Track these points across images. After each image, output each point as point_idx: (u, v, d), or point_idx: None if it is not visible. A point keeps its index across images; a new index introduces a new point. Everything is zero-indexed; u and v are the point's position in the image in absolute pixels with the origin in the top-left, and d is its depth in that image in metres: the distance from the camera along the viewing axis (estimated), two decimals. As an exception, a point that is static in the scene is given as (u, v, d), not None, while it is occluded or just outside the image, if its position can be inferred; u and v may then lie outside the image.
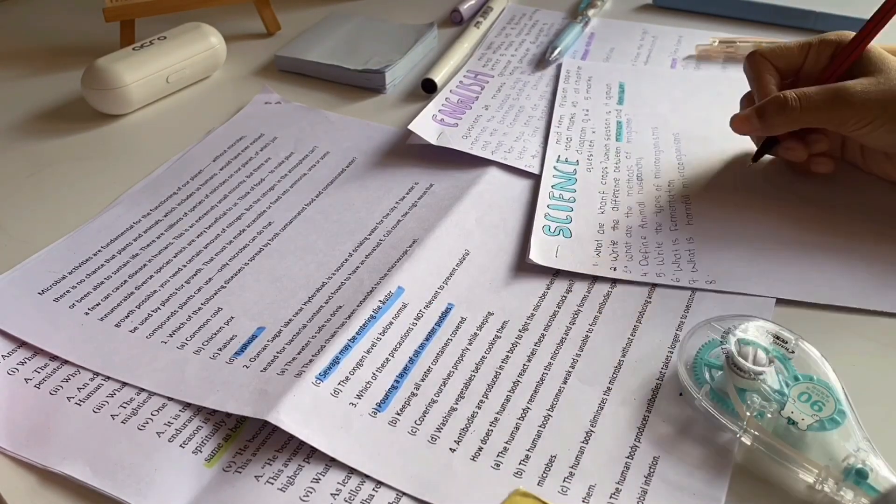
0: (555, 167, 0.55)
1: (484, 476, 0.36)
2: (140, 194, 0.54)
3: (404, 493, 0.35)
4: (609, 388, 0.40)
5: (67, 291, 0.46)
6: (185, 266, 0.48)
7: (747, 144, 0.54)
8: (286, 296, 0.46)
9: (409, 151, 0.57)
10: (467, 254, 0.48)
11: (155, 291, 0.46)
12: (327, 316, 0.44)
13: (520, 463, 0.36)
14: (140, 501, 0.35)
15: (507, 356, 0.42)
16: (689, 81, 0.65)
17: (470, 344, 0.42)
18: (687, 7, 0.75)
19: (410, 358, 0.42)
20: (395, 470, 0.36)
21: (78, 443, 0.38)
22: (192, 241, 0.50)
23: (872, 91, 0.46)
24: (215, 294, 0.46)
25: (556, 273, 0.46)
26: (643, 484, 0.35)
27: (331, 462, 0.36)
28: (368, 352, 0.42)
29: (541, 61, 0.68)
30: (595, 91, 0.64)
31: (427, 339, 0.43)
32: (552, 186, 0.53)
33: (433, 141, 0.57)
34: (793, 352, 0.38)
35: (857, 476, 0.33)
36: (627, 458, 0.36)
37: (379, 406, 0.39)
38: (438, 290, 0.46)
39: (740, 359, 0.37)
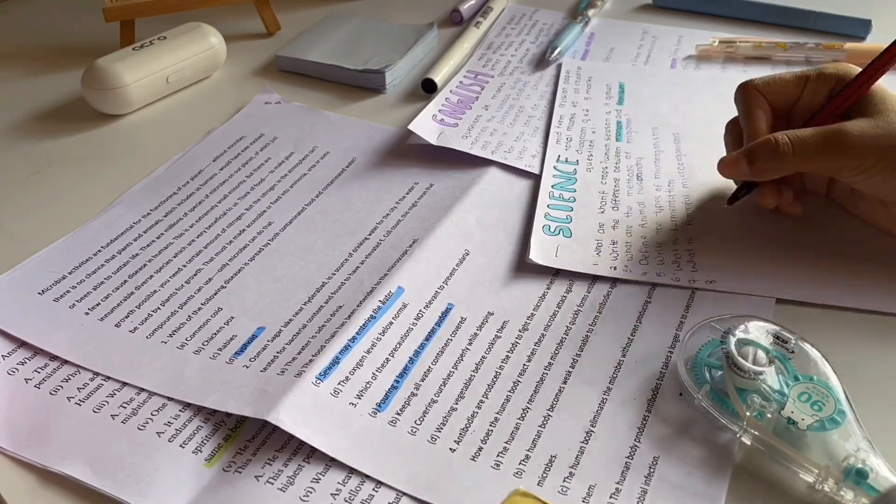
0: (555, 167, 0.55)
1: (484, 476, 0.36)
2: (140, 194, 0.54)
3: (404, 493, 0.35)
4: (609, 388, 0.40)
5: (67, 291, 0.46)
6: (185, 266, 0.48)
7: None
8: (286, 296, 0.46)
9: (409, 151, 0.57)
10: (467, 254, 0.48)
11: (155, 291, 0.46)
12: (327, 316, 0.44)
13: (520, 463, 0.36)
14: (140, 501, 0.35)
15: (507, 356, 0.42)
16: (690, 81, 0.65)
17: (470, 344, 0.42)
18: (687, 7, 0.75)
19: (410, 358, 0.42)
20: (395, 470, 0.36)
21: (78, 443, 0.38)
22: (192, 241, 0.50)
23: (870, 135, 0.43)
24: (215, 294, 0.46)
25: (556, 273, 0.46)
26: (643, 484, 0.35)
27: (331, 462, 0.36)
28: (368, 352, 0.42)
29: (541, 61, 0.68)
30: (595, 91, 0.64)
31: (427, 339, 0.43)
32: (552, 186, 0.53)
33: (433, 141, 0.57)
34: (793, 352, 0.38)
35: (857, 476, 0.33)
36: (627, 458, 0.36)
37: (379, 406, 0.39)
38: (438, 290, 0.46)
39: (740, 359, 0.37)
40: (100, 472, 0.36)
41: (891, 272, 0.45)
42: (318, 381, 0.39)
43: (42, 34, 0.77)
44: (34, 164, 0.58)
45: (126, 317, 0.45)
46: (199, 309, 0.45)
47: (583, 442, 0.37)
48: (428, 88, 0.64)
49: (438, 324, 0.44)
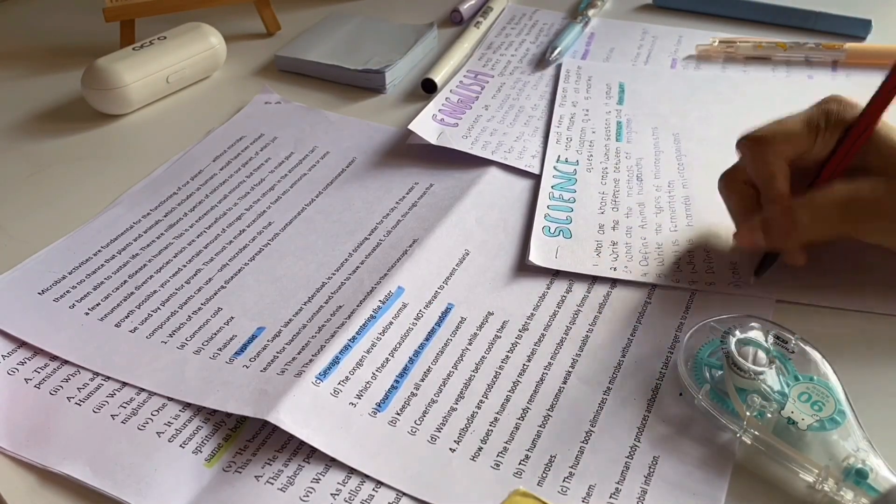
0: (555, 167, 0.55)
1: (484, 476, 0.36)
2: (140, 194, 0.54)
3: (404, 493, 0.35)
4: (609, 388, 0.40)
5: (67, 291, 0.46)
6: (185, 266, 0.48)
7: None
8: (286, 296, 0.46)
9: (409, 151, 0.57)
10: (467, 254, 0.48)
11: (155, 291, 0.46)
12: (327, 316, 0.44)
13: (520, 463, 0.36)
14: (140, 501, 0.35)
15: (507, 356, 0.42)
16: (689, 81, 0.65)
17: (470, 344, 0.42)
18: (687, 7, 0.75)
19: (410, 358, 0.42)
20: (394, 470, 0.36)
21: (78, 443, 0.38)
22: (192, 241, 0.50)
23: (883, 194, 0.41)
24: (215, 294, 0.46)
25: (555, 273, 0.46)
26: (643, 484, 0.35)
27: (331, 462, 0.36)
28: (368, 352, 0.42)
29: (541, 61, 0.68)
30: (595, 91, 0.64)
31: (427, 339, 0.43)
32: (552, 187, 0.53)
33: (433, 141, 0.57)
34: (793, 352, 0.38)
35: (857, 476, 0.33)
36: (627, 458, 0.36)
37: (379, 406, 0.39)
38: (438, 290, 0.46)
39: (740, 359, 0.37)
40: (100, 472, 0.36)
41: (891, 273, 0.45)
42: (318, 381, 0.39)
43: (42, 34, 0.77)
44: (34, 164, 0.58)
45: (126, 317, 0.45)
46: (199, 309, 0.45)
47: (583, 442, 0.37)
48: (428, 88, 0.64)
49: (438, 324, 0.44)
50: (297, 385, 0.39)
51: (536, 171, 0.55)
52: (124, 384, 0.41)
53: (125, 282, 0.47)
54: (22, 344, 0.43)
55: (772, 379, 0.37)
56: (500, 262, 0.48)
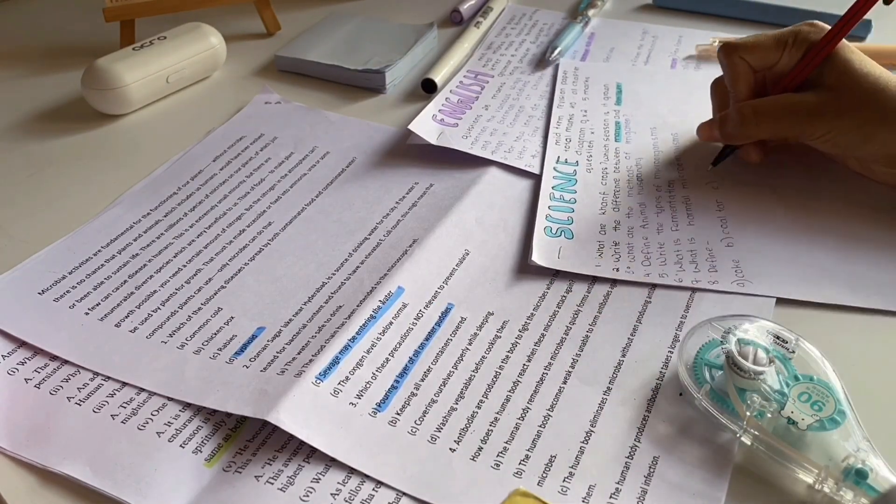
0: (555, 168, 0.55)
1: (484, 476, 0.36)
2: (140, 194, 0.54)
3: (404, 493, 0.35)
4: (609, 388, 0.40)
5: (67, 291, 0.46)
6: (185, 266, 0.48)
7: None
8: (286, 296, 0.46)
9: (410, 151, 0.57)
10: (467, 254, 0.48)
11: (155, 291, 0.46)
12: (327, 316, 0.44)
13: (520, 463, 0.36)
14: (140, 501, 0.35)
15: (507, 356, 0.42)
16: (687, 81, 0.65)
17: (470, 344, 0.42)
18: (687, 7, 0.75)
19: (410, 358, 0.42)
20: (394, 470, 0.36)
21: (78, 443, 0.38)
22: (192, 241, 0.50)
23: (824, 101, 0.47)
24: (215, 294, 0.46)
25: (556, 273, 0.46)
26: (643, 484, 0.35)
27: (331, 462, 0.36)
28: (368, 352, 0.42)
29: (541, 61, 0.68)
30: (593, 92, 0.64)
31: (427, 339, 0.43)
32: (553, 188, 0.53)
33: (433, 141, 0.57)
34: (793, 352, 0.38)
35: (857, 476, 0.33)
36: (627, 458, 0.36)
37: (379, 406, 0.39)
38: (438, 290, 0.46)
39: (740, 359, 0.37)
40: (100, 472, 0.36)
41: (892, 271, 0.45)
42: (318, 381, 0.39)
43: (42, 34, 0.77)
44: (34, 164, 0.58)
45: (126, 317, 0.45)
46: (199, 309, 0.45)
47: (583, 442, 0.37)
48: (428, 88, 0.64)
49: (438, 324, 0.44)
50: (297, 385, 0.39)
51: (536, 171, 0.55)
52: (124, 384, 0.41)
53: (125, 282, 0.47)
54: (22, 344, 0.43)
55: (772, 379, 0.37)
56: (501, 262, 0.48)
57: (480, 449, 0.37)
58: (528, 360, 0.41)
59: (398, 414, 0.39)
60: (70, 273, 0.48)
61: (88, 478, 0.36)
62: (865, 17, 0.68)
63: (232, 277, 0.47)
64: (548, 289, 0.46)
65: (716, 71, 0.66)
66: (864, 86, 0.47)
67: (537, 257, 0.47)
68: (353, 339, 0.42)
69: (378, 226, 0.51)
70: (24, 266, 0.48)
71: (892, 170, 0.49)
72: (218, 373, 0.41)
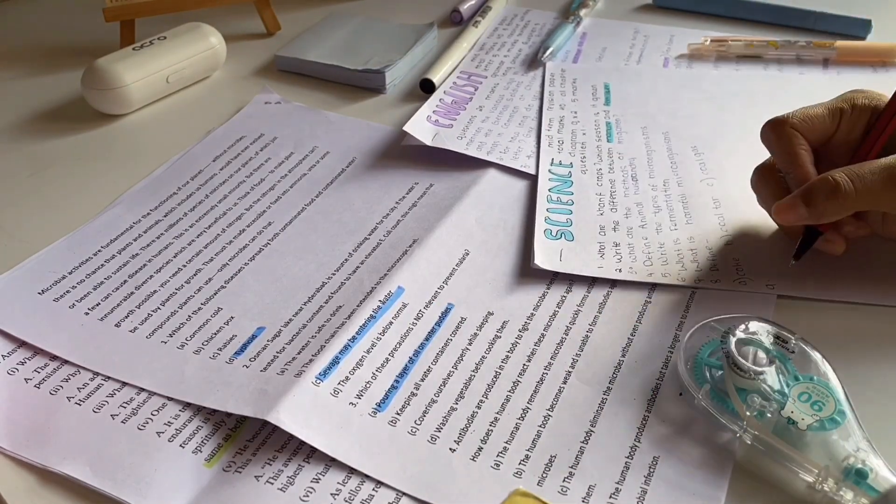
0: (550, 170, 0.55)
1: (484, 476, 0.36)
2: (140, 194, 0.54)
3: (404, 493, 0.35)
4: (609, 388, 0.40)
5: (67, 291, 0.46)
6: (185, 266, 0.48)
7: (742, 144, 0.54)
8: (286, 296, 0.46)
9: (409, 152, 0.57)
10: (467, 254, 0.48)
11: (155, 291, 0.46)
12: (327, 316, 0.44)
13: (519, 463, 0.36)
14: (140, 501, 0.35)
15: (507, 356, 0.42)
16: (674, 79, 0.65)
17: (470, 344, 0.42)
18: (688, 7, 0.75)
19: (410, 358, 0.42)
20: (394, 470, 0.36)
21: (78, 443, 0.38)
22: (192, 241, 0.50)
23: None
24: (215, 294, 0.46)
25: (556, 273, 0.46)
26: (643, 484, 0.35)
27: (331, 462, 0.36)
28: (368, 352, 0.42)
29: (533, 61, 0.68)
30: (581, 93, 0.64)
31: (427, 339, 0.43)
32: (549, 190, 0.53)
33: (428, 142, 0.57)
34: (793, 352, 0.38)
35: (857, 476, 0.33)
36: (627, 458, 0.36)
37: (379, 406, 0.39)
38: (438, 290, 0.46)
39: (740, 359, 0.37)
40: (100, 472, 0.36)
41: (892, 266, 0.45)
42: (318, 381, 0.39)
43: (42, 34, 0.77)
44: (34, 164, 0.58)
45: (126, 317, 0.45)
46: (199, 309, 0.45)
47: (583, 442, 0.37)
48: (426, 89, 0.64)
49: (438, 324, 0.44)
50: (297, 385, 0.39)
51: (532, 171, 0.55)
52: (124, 384, 0.41)
53: (125, 282, 0.47)
54: (22, 344, 0.43)
55: (772, 379, 0.37)
56: (500, 262, 0.48)
57: (480, 449, 0.37)
58: (528, 360, 0.41)
59: (398, 414, 0.39)
60: (70, 273, 0.48)
61: (88, 478, 0.36)
62: (864, 17, 0.69)
63: (232, 277, 0.47)
64: (548, 289, 0.46)
65: (708, 69, 0.66)
66: None
67: (540, 261, 0.47)
68: (353, 339, 0.42)
69: (378, 226, 0.51)
70: (24, 266, 0.48)
71: None
72: (218, 373, 0.41)
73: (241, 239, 0.50)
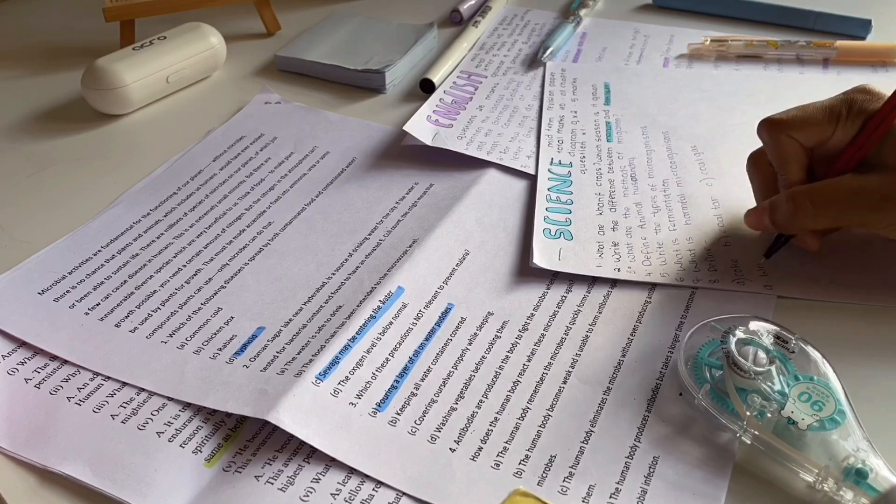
0: (549, 170, 0.55)
1: (484, 476, 0.36)
2: (140, 194, 0.54)
3: (404, 493, 0.35)
4: (609, 388, 0.40)
5: (67, 291, 0.46)
6: (185, 266, 0.48)
7: (742, 144, 0.54)
8: (286, 296, 0.46)
9: (409, 151, 0.57)
10: (467, 254, 0.48)
11: (155, 291, 0.46)
12: (327, 316, 0.44)
13: (519, 463, 0.36)
14: (140, 501, 0.35)
15: (507, 356, 0.42)
16: (673, 79, 0.65)
17: (470, 344, 0.42)
18: (689, 7, 0.75)
19: (410, 358, 0.42)
20: (394, 470, 0.36)
21: (78, 443, 0.38)
22: (192, 241, 0.50)
23: (890, 189, 0.41)
24: (215, 294, 0.46)
25: (555, 273, 0.46)
26: (643, 484, 0.35)
27: (331, 462, 0.36)
28: (368, 352, 0.42)
29: (533, 61, 0.68)
30: (581, 93, 0.64)
31: (427, 339, 0.43)
32: (549, 189, 0.53)
33: (428, 142, 0.57)
34: (793, 352, 0.38)
35: (857, 476, 0.33)
36: (627, 457, 0.36)
37: (379, 406, 0.39)
38: (438, 290, 0.46)
39: (740, 359, 0.37)
40: (100, 472, 0.36)
41: (892, 267, 0.45)
42: (318, 381, 0.39)
43: (42, 34, 0.77)
44: (34, 164, 0.58)
45: (126, 317, 0.45)
46: (199, 309, 0.45)
47: (583, 442, 0.37)
48: (426, 89, 0.64)
49: (438, 324, 0.44)
50: (297, 385, 0.39)
51: (532, 172, 0.55)
52: (124, 384, 0.41)
53: (125, 282, 0.47)
54: (22, 344, 0.43)
55: (772, 379, 0.37)
56: (500, 262, 0.48)
57: (480, 449, 0.37)
58: (528, 360, 0.41)
59: (398, 414, 0.39)
60: (70, 273, 0.48)
61: (88, 478, 0.36)
62: (864, 17, 0.69)
63: (232, 277, 0.47)
64: (548, 289, 0.46)
65: (708, 69, 0.66)
66: None
67: (538, 259, 0.47)
68: (353, 338, 0.42)
69: (378, 226, 0.51)
70: (24, 266, 0.48)
71: None
72: (218, 373, 0.41)
73: (241, 239, 0.50)
